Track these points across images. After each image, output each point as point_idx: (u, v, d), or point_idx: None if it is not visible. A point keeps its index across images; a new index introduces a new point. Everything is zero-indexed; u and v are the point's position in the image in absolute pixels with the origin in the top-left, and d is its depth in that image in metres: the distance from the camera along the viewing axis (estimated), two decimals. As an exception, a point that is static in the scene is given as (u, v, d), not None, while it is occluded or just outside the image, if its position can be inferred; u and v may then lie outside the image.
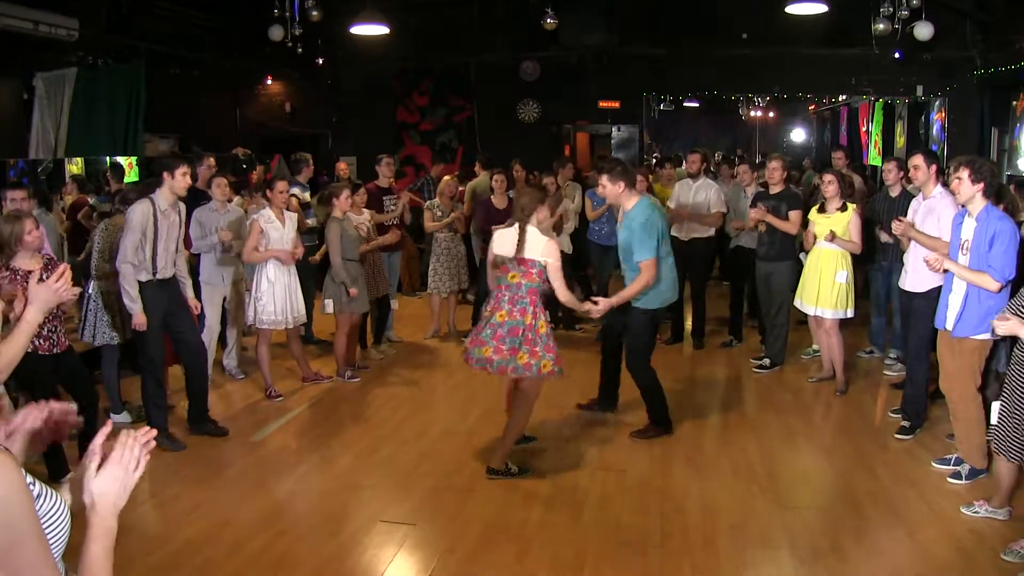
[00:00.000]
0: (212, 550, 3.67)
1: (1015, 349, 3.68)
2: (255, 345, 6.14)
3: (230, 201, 6.23)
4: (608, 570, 3.52)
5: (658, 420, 5.08)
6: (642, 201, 4.86)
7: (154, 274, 4.85)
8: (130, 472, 1.50)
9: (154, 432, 1.59)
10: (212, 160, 6.70)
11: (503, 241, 4.41)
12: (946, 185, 4.96)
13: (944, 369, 4.41)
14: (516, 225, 4.34)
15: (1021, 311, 3.51)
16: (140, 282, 4.83)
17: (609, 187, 4.82)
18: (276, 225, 5.77)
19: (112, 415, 5.25)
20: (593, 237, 7.94)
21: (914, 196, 5.45)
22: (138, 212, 4.78)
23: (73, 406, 1.75)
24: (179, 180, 4.84)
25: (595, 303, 4.73)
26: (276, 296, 5.72)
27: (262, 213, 5.78)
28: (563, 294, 4.46)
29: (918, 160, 5.08)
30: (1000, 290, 4.02)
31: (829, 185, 5.83)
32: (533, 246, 4.29)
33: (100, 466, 1.48)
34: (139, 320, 4.79)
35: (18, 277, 4.14)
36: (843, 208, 5.79)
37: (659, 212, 4.92)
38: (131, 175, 9.41)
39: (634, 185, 4.94)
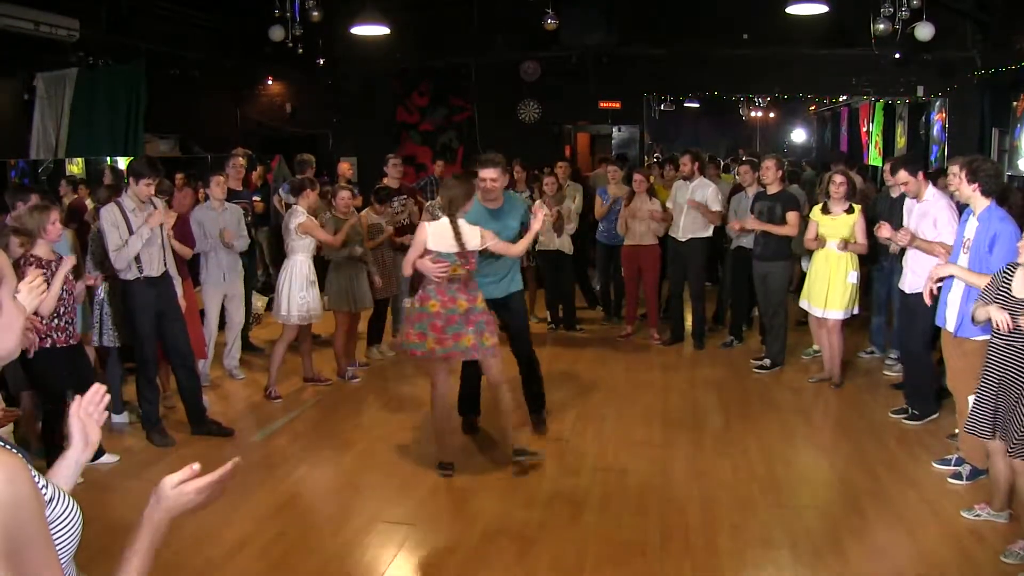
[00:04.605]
0: (212, 550, 3.67)
1: (991, 338, 3.68)
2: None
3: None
4: (608, 570, 3.52)
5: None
6: None
7: (140, 272, 4.88)
8: (204, 498, 1.51)
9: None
10: (241, 159, 6.69)
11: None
12: (936, 184, 5.04)
13: (950, 368, 4.42)
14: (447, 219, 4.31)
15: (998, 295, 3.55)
16: (128, 280, 4.88)
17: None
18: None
19: (113, 415, 5.27)
20: (600, 237, 7.94)
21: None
22: (103, 215, 4.88)
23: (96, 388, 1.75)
24: (141, 188, 4.85)
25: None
26: (314, 291, 5.90)
27: (295, 210, 5.94)
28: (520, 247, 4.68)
29: (903, 176, 5.12)
30: None
31: (840, 187, 5.84)
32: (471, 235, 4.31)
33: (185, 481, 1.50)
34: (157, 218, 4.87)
35: (43, 264, 4.24)
36: (849, 210, 5.81)
37: None
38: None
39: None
